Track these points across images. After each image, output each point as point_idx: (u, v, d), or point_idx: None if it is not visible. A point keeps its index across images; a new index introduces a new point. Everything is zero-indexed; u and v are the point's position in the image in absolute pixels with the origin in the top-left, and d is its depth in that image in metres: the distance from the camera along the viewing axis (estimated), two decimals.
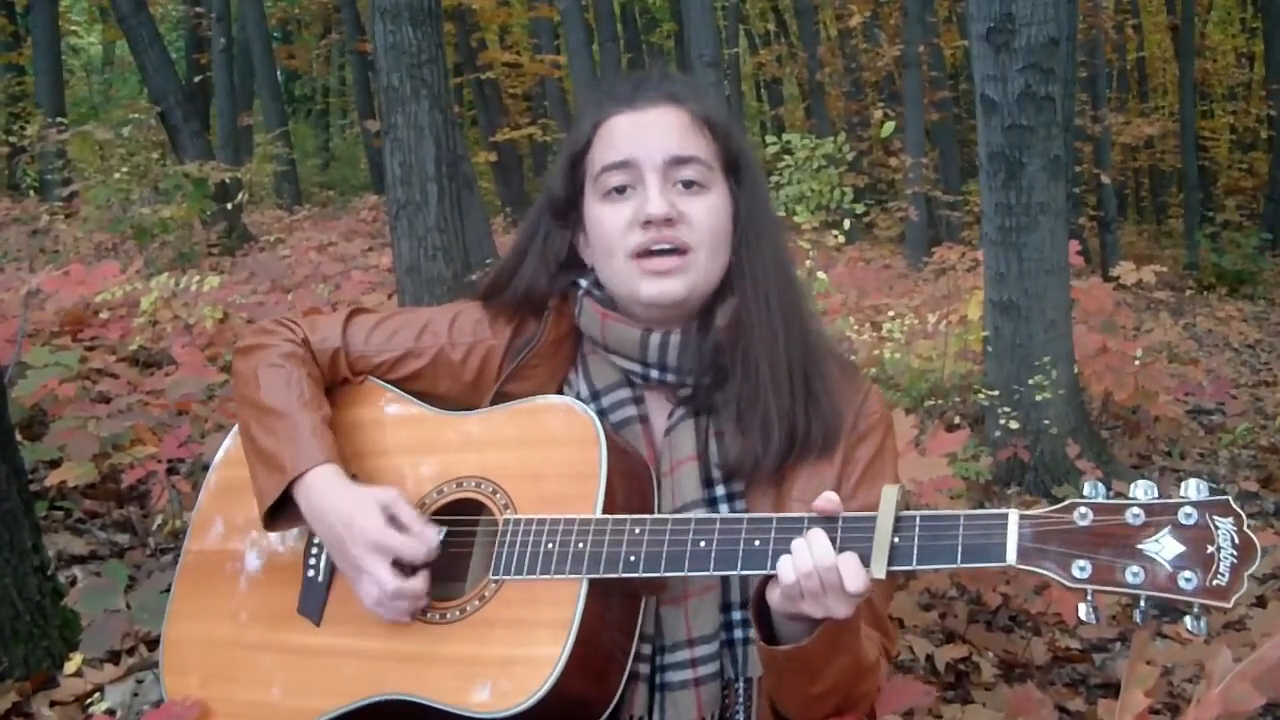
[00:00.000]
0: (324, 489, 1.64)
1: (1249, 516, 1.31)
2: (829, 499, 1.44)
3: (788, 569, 1.41)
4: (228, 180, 10.50)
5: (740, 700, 1.64)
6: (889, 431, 1.74)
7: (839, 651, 1.49)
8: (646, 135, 1.65)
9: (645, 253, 1.63)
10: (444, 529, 1.60)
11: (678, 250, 1.63)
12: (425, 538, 1.58)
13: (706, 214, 1.65)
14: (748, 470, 1.64)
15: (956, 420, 5.05)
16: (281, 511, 1.68)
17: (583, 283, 1.74)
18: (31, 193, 12.54)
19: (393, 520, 1.59)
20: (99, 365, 4.62)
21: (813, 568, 1.40)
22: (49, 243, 9.49)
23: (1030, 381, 4.89)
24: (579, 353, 1.78)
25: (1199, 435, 6.64)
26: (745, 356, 1.65)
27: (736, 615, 1.64)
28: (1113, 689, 2.92)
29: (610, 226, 1.66)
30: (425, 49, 4.87)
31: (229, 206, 10.52)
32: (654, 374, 1.69)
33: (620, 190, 1.65)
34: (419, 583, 1.57)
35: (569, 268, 1.76)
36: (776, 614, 1.49)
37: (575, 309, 1.75)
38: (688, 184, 1.65)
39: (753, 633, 1.52)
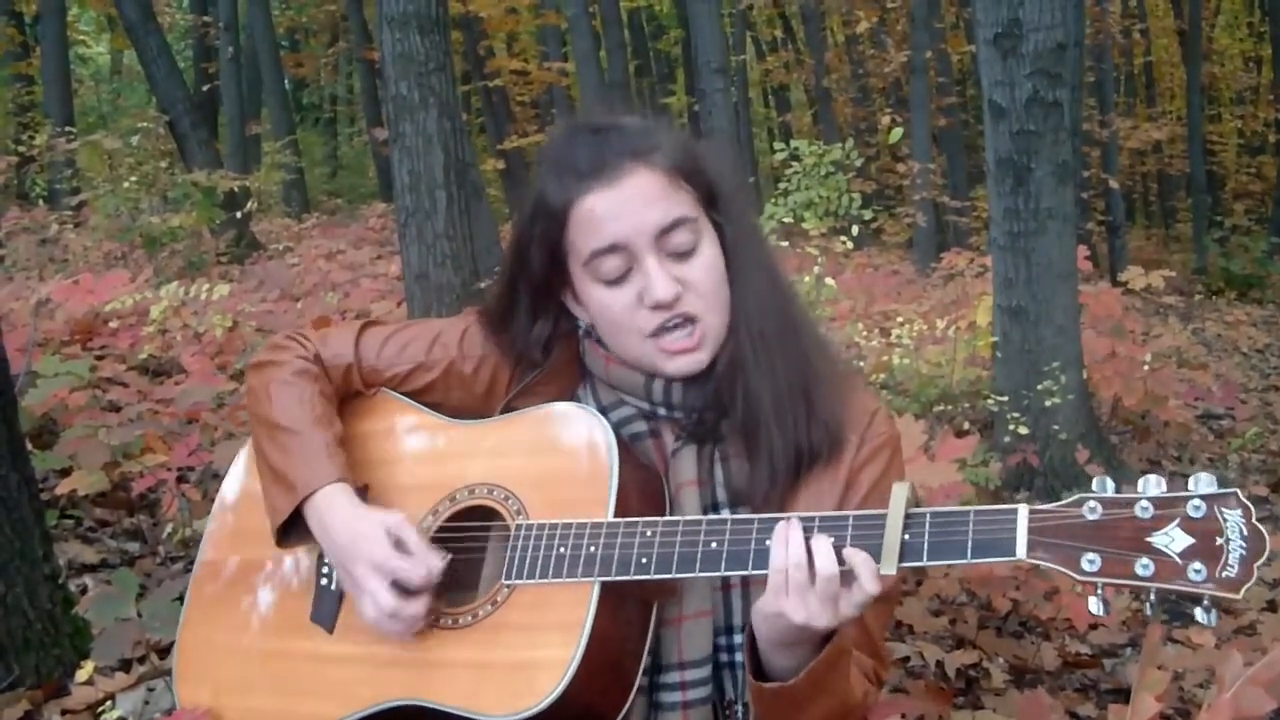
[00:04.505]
0: (333, 509, 1.64)
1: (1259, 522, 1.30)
2: None
3: (779, 555, 1.42)
4: (236, 189, 10.53)
5: None
6: (896, 453, 1.71)
7: (824, 693, 1.48)
8: (628, 213, 1.58)
9: (660, 331, 1.62)
10: (448, 555, 1.59)
11: (689, 319, 1.61)
12: (428, 563, 1.57)
13: (705, 274, 1.61)
14: (757, 502, 1.63)
15: (965, 426, 5.05)
16: (292, 529, 1.68)
17: (582, 324, 1.74)
18: (40, 202, 12.53)
19: (399, 544, 1.59)
20: (109, 374, 4.62)
21: (797, 560, 1.40)
22: (58, 252, 9.52)
23: (1039, 387, 4.88)
24: (586, 371, 1.77)
25: (1208, 440, 6.62)
26: (746, 391, 1.63)
27: (738, 638, 1.62)
28: (1123, 694, 2.91)
29: (617, 311, 1.62)
30: (433, 57, 4.88)
31: (237, 215, 10.56)
32: (661, 412, 1.69)
33: (619, 277, 1.61)
34: (417, 606, 1.57)
35: (561, 320, 1.74)
36: (764, 642, 1.48)
37: (579, 346, 1.75)
38: (680, 253, 1.61)
39: (740, 659, 1.51)
